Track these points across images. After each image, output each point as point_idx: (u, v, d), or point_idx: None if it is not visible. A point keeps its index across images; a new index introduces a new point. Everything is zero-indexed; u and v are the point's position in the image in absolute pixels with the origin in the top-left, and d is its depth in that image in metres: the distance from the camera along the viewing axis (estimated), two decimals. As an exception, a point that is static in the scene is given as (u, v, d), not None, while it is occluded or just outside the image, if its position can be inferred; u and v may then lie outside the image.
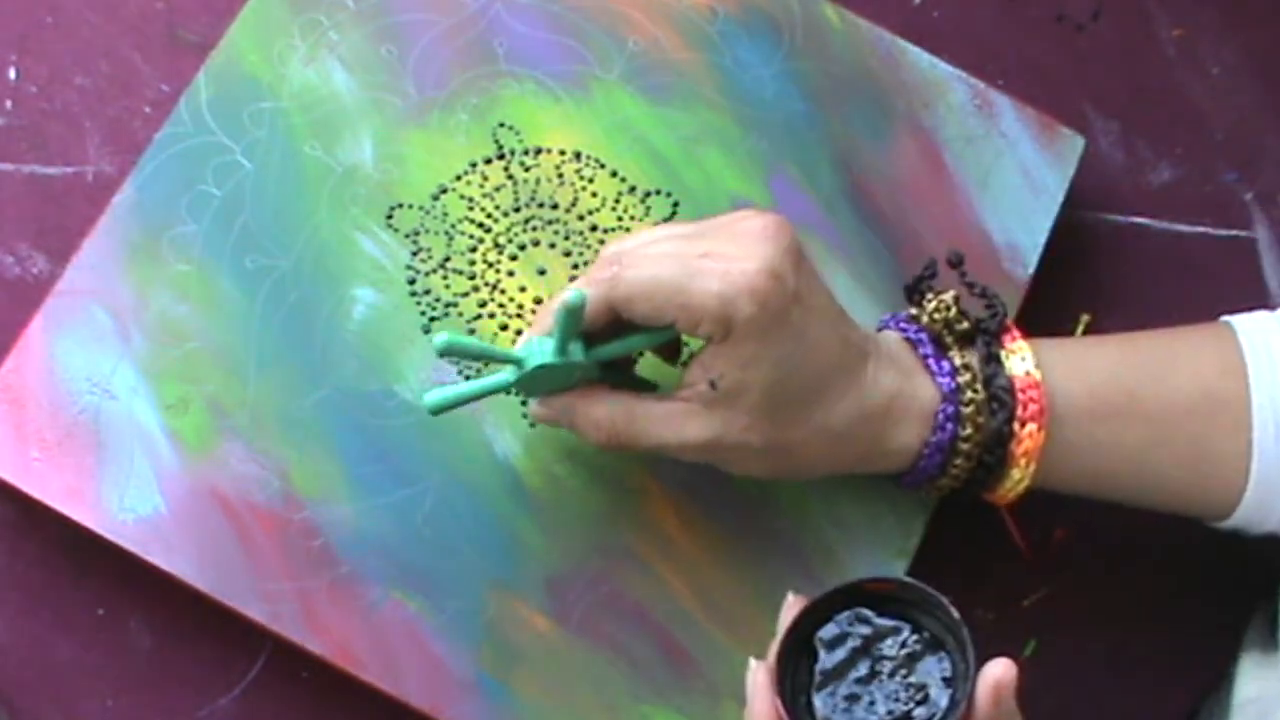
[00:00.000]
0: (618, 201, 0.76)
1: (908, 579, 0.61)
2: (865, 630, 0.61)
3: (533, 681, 0.67)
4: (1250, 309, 0.72)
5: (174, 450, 0.69)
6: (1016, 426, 0.66)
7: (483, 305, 0.73)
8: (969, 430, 0.66)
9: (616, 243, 0.66)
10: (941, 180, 0.77)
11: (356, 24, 0.77)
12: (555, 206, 0.75)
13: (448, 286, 0.73)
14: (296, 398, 0.70)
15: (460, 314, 0.73)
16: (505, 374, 0.66)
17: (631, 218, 0.75)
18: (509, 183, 0.76)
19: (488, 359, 0.67)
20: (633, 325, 0.65)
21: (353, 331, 0.72)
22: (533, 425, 0.70)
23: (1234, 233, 0.83)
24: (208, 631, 0.70)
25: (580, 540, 0.70)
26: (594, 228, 0.75)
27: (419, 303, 0.73)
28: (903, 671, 0.60)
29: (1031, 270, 0.76)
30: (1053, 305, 0.79)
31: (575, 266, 0.74)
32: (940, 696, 0.60)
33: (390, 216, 0.74)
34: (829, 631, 0.61)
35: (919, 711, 0.60)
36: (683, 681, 0.68)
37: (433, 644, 0.67)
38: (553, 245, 0.75)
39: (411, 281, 0.73)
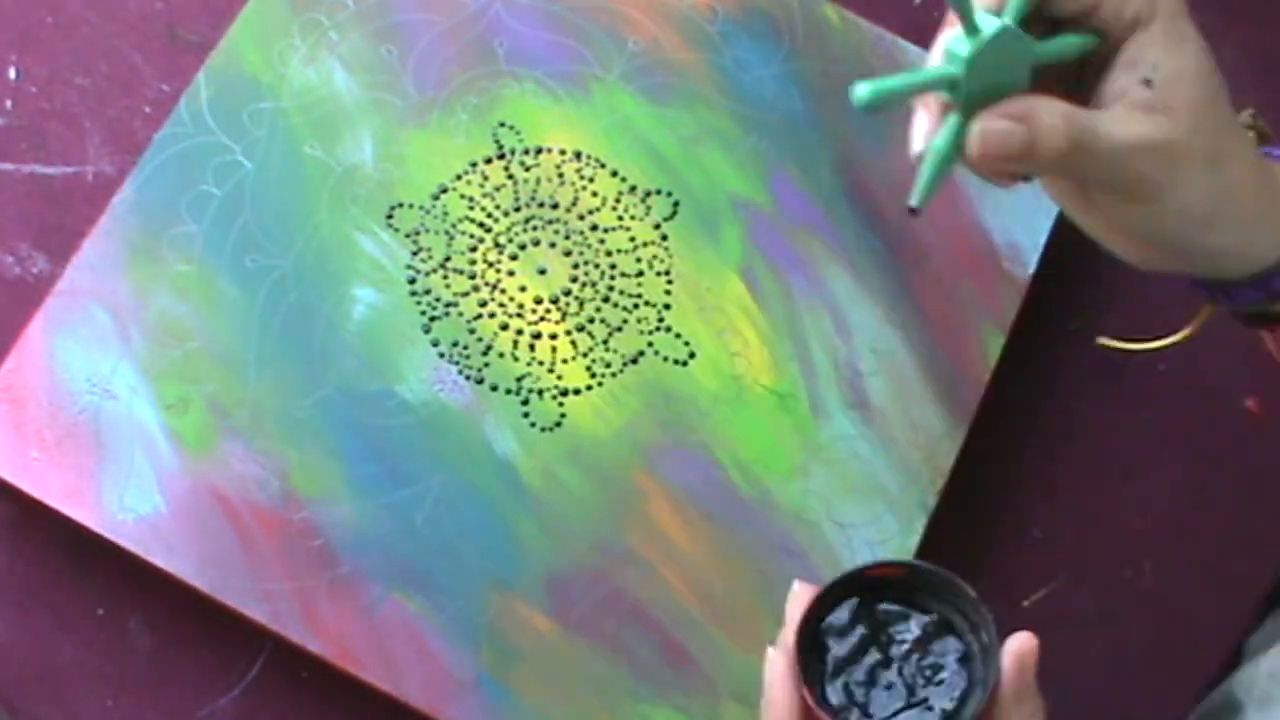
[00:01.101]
0: (618, 201, 0.76)
1: (918, 562, 0.61)
2: (874, 617, 0.60)
3: (533, 681, 0.67)
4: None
5: (174, 450, 0.69)
6: None
7: (483, 305, 0.73)
8: None
9: None
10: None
11: (356, 24, 0.77)
12: (555, 206, 0.75)
13: (448, 286, 0.73)
14: (296, 398, 0.70)
15: (460, 313, 0.73)
16: (945, 68, 0.54)
17: (632, 217, 0.75)
18: (509, 182, 0.76)
19: (922, 86, 0.55)
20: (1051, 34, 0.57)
21: (353, 331, 0.72)
22: (916, 211, 0.58)
23: (1234, 233, 0.83)
24: (208, 631, 0.70)
25: (580, 540, 0.70)
26: (594, 227, 0.75)
27: (419, 302, 0.73)
28: (915, 655, 0.60)
29: (1031, 270, 0.76)
30: (1053, 305, 0.79)
31: (575, 266, 0.74)
32: (957, 677, 0.60)
33: (390, 216, 0.74)
34: (838, 619, 0.60)
35: (936, 693, 0.60)
36: (683, 681, 0.68)
37: (433, 644, 0.67)
38: (553, 245, 0.75)
39: (412, 281, 0.73)
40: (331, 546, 0.68)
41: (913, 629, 0.60)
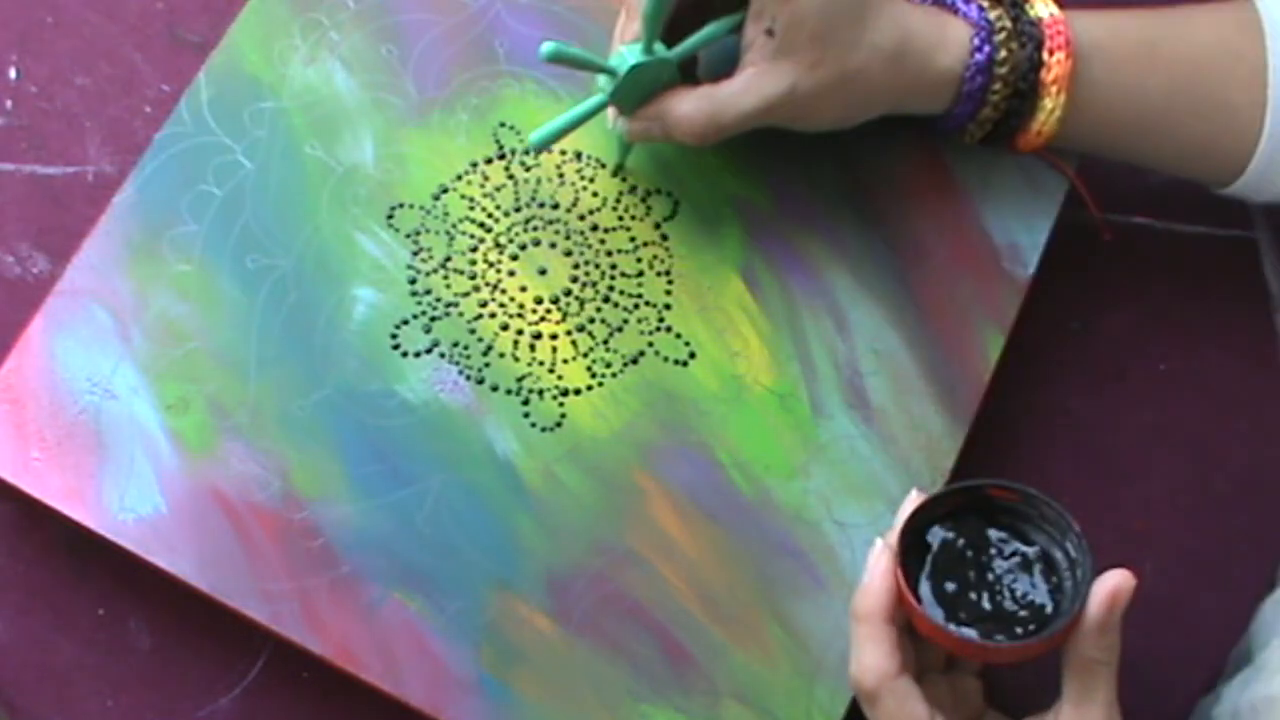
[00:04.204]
0: (618, 201, 0.76)
1: (1034, 491, 0.63)
2: (980, 534, 0.64)
3: (533, 681, 0.67)
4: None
5: (174, 450, 0.69)
6: (1046, 55, 0.72)
7: (483, 305, 0.73)
8: (1003, 54, 0.71)
9: None
10: (942, 180, 0.77)
11: (357, 24, 0.77)
12: (556, 206, 0.75)
13: (448, 286, 0.73)
14: (297, 398, 0.70)
15: (461, 314, 0.73)
16: (597, 97, 0.71)
17: (632, 217, 0.75)
18: (509, 182, 0.76)
19: (588, 66, 0.70)
20: (701, 21, 0.71)
21: (353, 331, 0.72)
22: (618, 171, 0.75)
23: (1234, 233, 0.83)
24: (208, 631, 0.70)
25: (580, 540, 0.70)
26: (594, 227, 0.75)
27: (419, 302, 0.73)
28: (1009, 578, 0.63)
29: (1031, 270, 0.76)
30: (1053, 305, 0.79)
31: (576, 266, 0.74)
32: (1045, 602, 0.63)
33: (391, 216, 0.74)
34: (942, 532, 0.64)
35: (1022, 613, 0.62)
36: (683, 681, 0.68)
37: (433, 644, 0.67)
38: (553, 245, 0.75)
39: (412, 281, 0.73)
40: (332, 546, 0.68)
41: (1014, 555, 0.63)
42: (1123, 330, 0.81)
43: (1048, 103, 0.72)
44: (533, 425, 0.71)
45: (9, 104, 0.78)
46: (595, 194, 0.76)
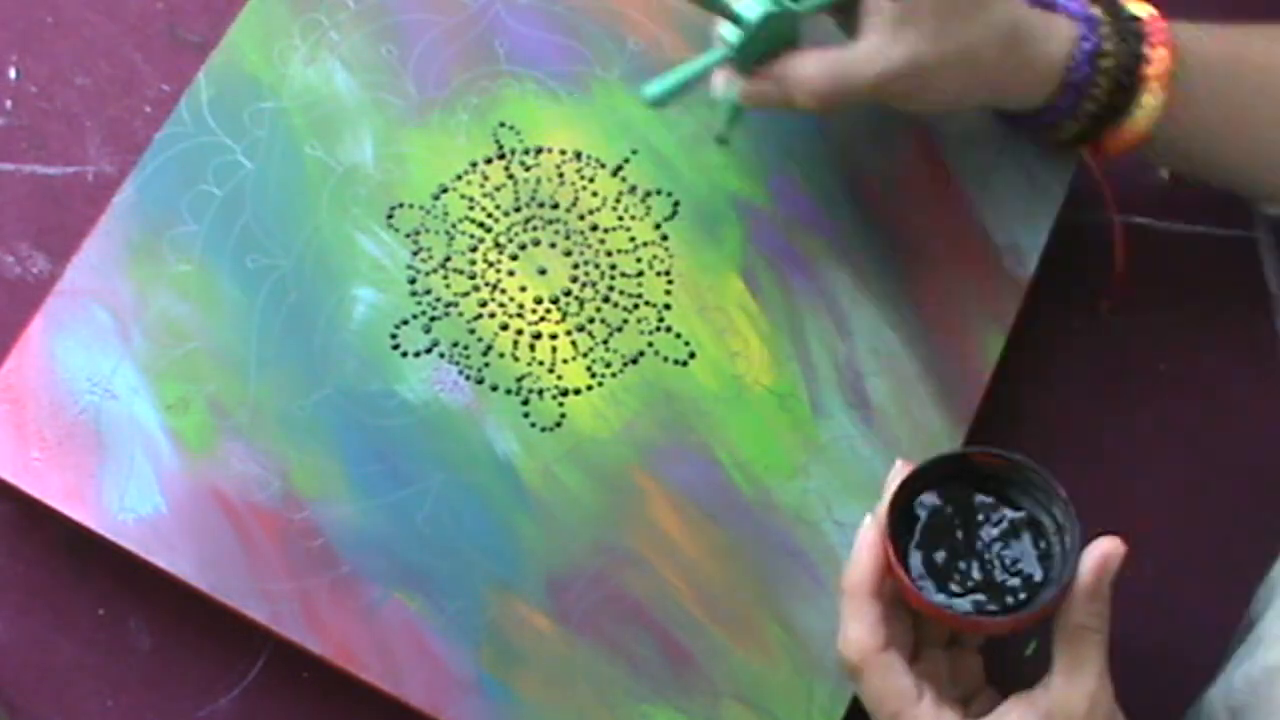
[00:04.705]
0: (618, 201, 0.76)
1: (1020, 457, 0.64)
2: (968, 502, 0.64)
3: (533, 681, 0.67)
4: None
5: (174, 450, 0.69)
6: (1148, 49, 0.72)
7: (483, 305, 0.73)
8: (1108, 46, 0.72)
9: None
10: (942, 180, 0.77)
11: (357, 24, 0.77)
12: (556, 206, 0.75)
13: (448, 286, 0.73)
14: (297, 398, 0.70)
15: (461, 314, 0.73)
16: (718, 50, 0.68)
17: (632, 217, 0.75)
18: (509, 182, 0.76)
19: (716, 8, 0.67)
20: None
21: (353, 331, 0.72)
22: (723, 141, 0.74)
23: (1234, 233, 0.83)
24: (208, 631, 0.70)
25: (580, 540, 0.70)
26: (594, 227, 0.75)
27: (419, 302, 0.73)
28: (998, 545, 0.63)
29: (1031, 270, 0.76)
30: (1053, 305, 0.79)
31: (575, 266, 0.74)
32: (1034, 570, 0.63)
33: (391, 216, 0.74)
34: (930, 499, 0.64)
35: (1010, 583, 0.62)
36: (683, 681, 0.68)
37: (433, 644, 0.67)
38: (553, 245, 0.75)
39: (412, 281, 0.73)
40: (332, 546, 0.68)
41: (1001, 521, 0.64)
42: (1123, 330, 0.81)
43: (1149, 99, 0.72)
44: (532, 425, 0.71)
45: (9, 104, 0.78)
46: (595, 194, 0.76)
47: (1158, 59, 0.72)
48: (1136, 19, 0.73)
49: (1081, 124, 0.74)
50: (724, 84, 0.70)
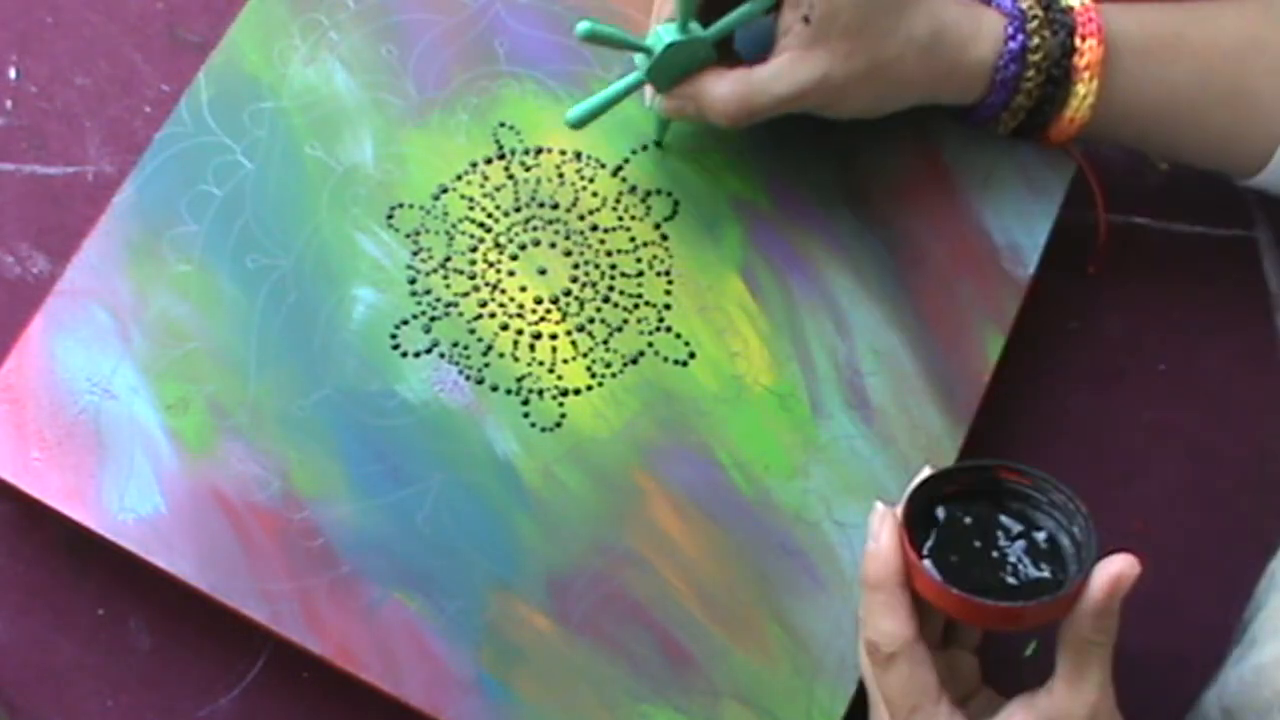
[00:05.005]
0: (618, 201, 0.76)
1: (1041, 474, 0.64)
2: (986, 518, 0.64)
3: (533, 681, 0.67)
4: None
5: (174, 450, 0.69)
6: (1078, 41, 0.73)
7: (483, 305, 0.73)
8: (1036, 41, 0.73)
9: None
10: (942, 180, 0.77)
11: (357, 24, 0.77)
12: (556, 206, 0.75)
13: (448, 286, 0.73)
14: (297, 398, 0.70)
15: (461, 314, 0.73)
16: (634, 74, 0.72)
17: (632, 218, 0.75)
18: (509, 182, 0.76)
19: (623, 44, 0.71)
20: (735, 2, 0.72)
21: (353, 331, 0.72)
22: (659, 145, 0.76)
23: (1234, 233, 0.83)
24: (208, 631, 0.70)
25: (580, 540, 0.70)
26: (594, 227, 0.75)
27: (419, 302, 0.73)
28: (1014, 558, 0.63)
29: (1031, 270, 0.76)
30: (1053, 305, 0.79)
31: (576, 266, 0.74)
32: (1044, 582, 0.62)
33: (391, 216, 0.74)
34: (949, 509, 0.64)
35: (1019, 590, 0.62)
36: (683, 681, 0.68)
37: (433, 644, 0.67)
38: (553, 245, 0.75)
39: (412, 281, 0.73)
40: (332, 546, 0.68)
41: (1020, 537, 0.64)
42: (1122, 330, 0.81)
43: (1080, 89, 0.73)
44: (532, 425, 0.71)
45: (9, 104, 0.78)
46: (595, 194, 0.76)
47: (1087, 49, 0.73)
48: (1068, 9, 0.74)
49: (1018, 117, 0.75)
50: (649, 98, 0.74)
